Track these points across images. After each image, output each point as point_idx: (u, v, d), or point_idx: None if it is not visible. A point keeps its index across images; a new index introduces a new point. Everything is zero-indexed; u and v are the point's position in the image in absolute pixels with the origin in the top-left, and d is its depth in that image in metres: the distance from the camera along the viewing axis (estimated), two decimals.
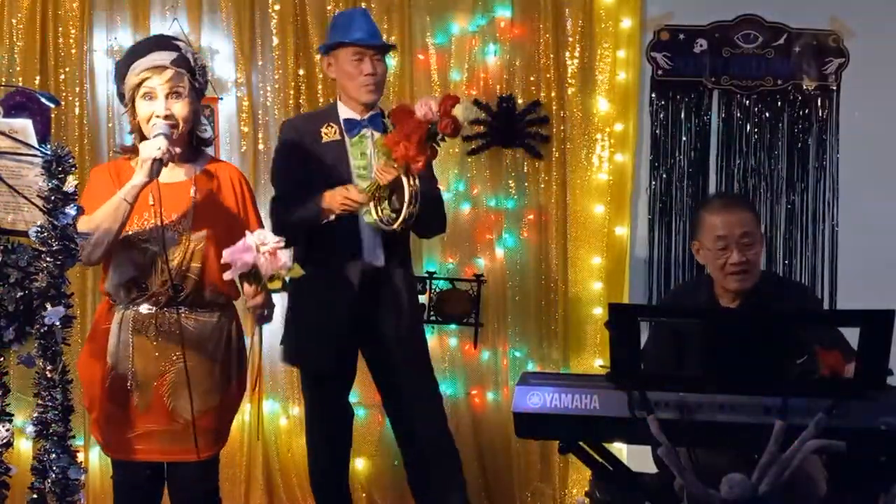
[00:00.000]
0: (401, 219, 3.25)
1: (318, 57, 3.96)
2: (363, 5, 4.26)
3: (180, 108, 2.78)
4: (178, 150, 2.79)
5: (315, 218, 3.33)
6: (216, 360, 2.85)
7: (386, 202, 3.31)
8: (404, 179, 3.21)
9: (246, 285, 2.71)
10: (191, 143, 2.90)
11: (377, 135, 3.41)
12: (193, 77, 2.81)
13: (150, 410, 2.78)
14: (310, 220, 3.34)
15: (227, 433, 2.98)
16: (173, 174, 2.84)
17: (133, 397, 2.78)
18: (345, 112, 3.48)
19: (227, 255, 2.64)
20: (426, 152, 3.20)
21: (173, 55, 2.80)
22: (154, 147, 2.66)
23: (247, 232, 2.68)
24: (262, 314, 2.81)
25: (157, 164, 2.66)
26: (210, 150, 3.07)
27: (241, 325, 2.98)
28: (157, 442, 2.79)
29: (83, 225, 2.65)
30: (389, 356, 3.53)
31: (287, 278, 2.73)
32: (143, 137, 2.80)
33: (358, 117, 3.46)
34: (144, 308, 2.79)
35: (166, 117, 2.75)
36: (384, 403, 3.68)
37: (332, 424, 3.60)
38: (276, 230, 3.04)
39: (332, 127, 3.46)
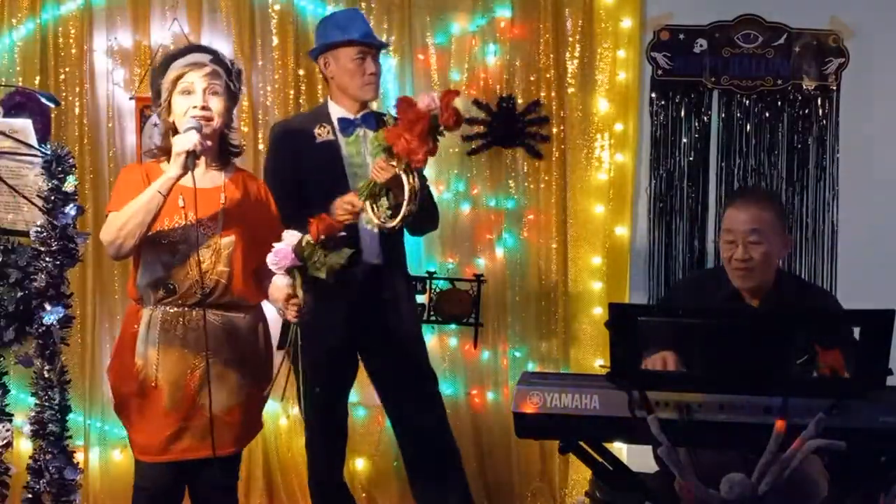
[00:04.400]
0: (399, 217, 3.20)
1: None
2: (364, 5, 4.26)
3: (216, 104, 2.80)
4: (209, 143, 2.78)
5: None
6: (245, 357, 2.86)
7: (384, 199, 3.26)
8: (403, 177, 3.15)
9: (287, 285, 2.75)
10: (221, 149, 2.90)
11: (371, 133, 3.37)
12: (230, 78, 2.84)
13: (180, 408, 2.77)
14: None
15: (255, 428, 3.01)
16: (203, 179, 2.82)
17: (163, 397, 2.77)
18: (337, 111, 3.49)
19: (271, 259, 2.72)
20: (427, 146, 3.12)
21: (210, 56, 2.84)
22: (187, 140, 2.66)
23: (283, 234, 2.74)
24: (303, 311, 2.79)
25: (191, 157, 2.66)
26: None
27: (267, 324, 2.97)
28: (188, 439, 2.79)
29: (117, 218, 2.69)
30: (389, 355, 3.54)
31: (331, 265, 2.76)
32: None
33: (352, 116, 3.46)
34: (172, 308, 2.79)
35: (203, 108, 2.75)
36: (384, 404, 3.68)
37: (329, 426, 3.59)
38: None
39: (325, 127, 3.47)
